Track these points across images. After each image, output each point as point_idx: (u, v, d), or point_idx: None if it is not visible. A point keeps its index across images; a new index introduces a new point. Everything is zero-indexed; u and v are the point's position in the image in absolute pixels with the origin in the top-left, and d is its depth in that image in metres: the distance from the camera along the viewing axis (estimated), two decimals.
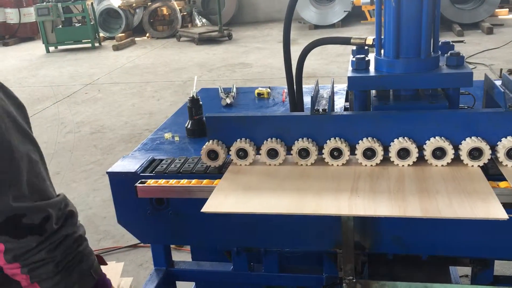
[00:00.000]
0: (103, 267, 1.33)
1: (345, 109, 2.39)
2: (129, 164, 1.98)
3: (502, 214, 1.39)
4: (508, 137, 1.64)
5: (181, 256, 3.37)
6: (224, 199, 1.62)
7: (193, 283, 2.63)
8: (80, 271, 1.21)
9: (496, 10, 11.08)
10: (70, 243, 1.17)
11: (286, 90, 2.37)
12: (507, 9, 11.76)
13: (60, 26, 12.00)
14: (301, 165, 1.79)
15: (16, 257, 1.11)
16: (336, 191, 1.61)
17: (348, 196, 1.56)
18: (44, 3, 11.67)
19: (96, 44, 12.19)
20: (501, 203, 1.45)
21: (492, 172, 1.66)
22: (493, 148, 1.66)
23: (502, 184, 1.59)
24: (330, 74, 7.69)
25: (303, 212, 1.53)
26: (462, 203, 1.47)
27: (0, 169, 1.08)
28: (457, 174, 1.65)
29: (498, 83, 1.88)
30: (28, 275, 1.14)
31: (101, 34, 12.70)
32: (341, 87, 2.75)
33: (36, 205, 1.11)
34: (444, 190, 1.55)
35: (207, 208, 1.57)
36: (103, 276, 1.31)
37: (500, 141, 1.65)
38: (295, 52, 2.14)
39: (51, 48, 12.08)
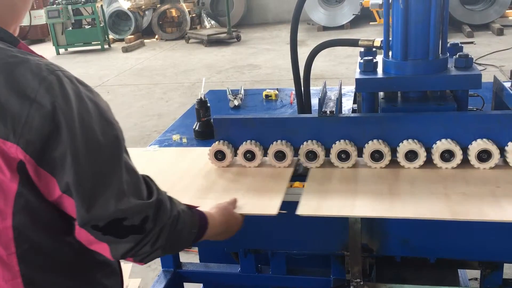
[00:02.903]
0: None
1: (353, 111, 2.38)
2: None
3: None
4: None
5: (189, 257, 3.37)
6: (319, 202, 1.59)
7: (201, 285, 2.63)
8: (183, 238, 1.25)
9: (507, 11, 10.98)
10: (167, 230, 1.18)
11: (294, 92, 2.37)
12: None
13: (70, 28, 12.08)
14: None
15: (124, 254, 1.14)
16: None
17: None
18: (55, 6, 11.76)
19: (106, 46, 12.27)
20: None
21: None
22: (502, 150, 1.65)
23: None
24: (339, 75, 7.68)
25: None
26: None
27: (104, 164, 1.07)
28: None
29: (507, 84, 1.86)
30: (141, 262, 1.19)
31: (111, 36, 12.78)
32: (350, 89, 2.74)
33: (135, 207, 1.10)
34: None
35: (302, 211, 1.54)
36: (200, 220, 1.33)
37: (509, 143, 1.64)
38: (304, 54, 2.14)
39: (61, 50, 12.18)
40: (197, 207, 1.37)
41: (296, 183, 1.75)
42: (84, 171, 1.04)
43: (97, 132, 1.07)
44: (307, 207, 1.54)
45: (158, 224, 1.15)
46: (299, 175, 1.82)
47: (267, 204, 1.57)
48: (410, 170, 1.71)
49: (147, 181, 1.18)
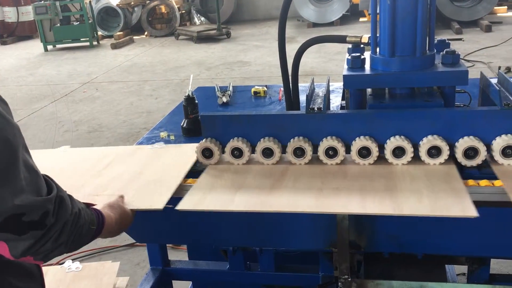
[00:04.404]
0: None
1: (342, 107, 2.38)
2: None
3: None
4: (503, 136, 1.63)
5: (178, 255, 3.36)
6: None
7: (190, 282, 2.63)
8: (84, 235, 1.29)
9: (495, 7, 11.06)
10: (69, 226, 1.21)
11: (282, 89, 2.36)
12: (506, 7, 11.74)
13: (58, 24, 11.97)
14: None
15: (25, 252, 1.15)
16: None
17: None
18: (42, 2, 11.64)
19: (95, 43, 12.18)
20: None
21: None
22: (489, 147, 1.65)
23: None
24: (328, 72, 7.68)
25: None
26: None
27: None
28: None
29: (494, 81, 1.87)
30: (42, 261, 1.21)
31: (100, 33, 12.68)
32: (339, 85, 2.74)
33: (34, 202, 1.12)
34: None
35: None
36: (98, 217, 1.37)
37: (495, 139, 1.64)
38: (294, 50, 2.13)
39: (49, 47, 12.06)
40: (94, 205, 1.42)
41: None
42: None
43: None
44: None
45: (59, 219, 1.18)
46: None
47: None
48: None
49: (47, 179, 1.21)
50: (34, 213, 1.12)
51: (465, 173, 1.65)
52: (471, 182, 1.58)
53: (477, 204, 1.41)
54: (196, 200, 1.61)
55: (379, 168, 1.71)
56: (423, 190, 1.53)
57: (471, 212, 1.38)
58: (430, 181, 1.59)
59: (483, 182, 1.57)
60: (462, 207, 1.42)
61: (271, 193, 1.62)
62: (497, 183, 1.57)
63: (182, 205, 1.58)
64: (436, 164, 1.68)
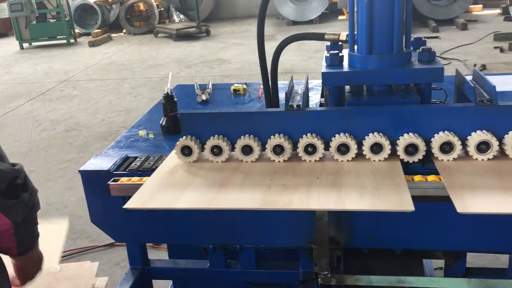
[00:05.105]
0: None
1: (321, 104, 2.40)
2: (102, 162, 1.95)
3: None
4: (478, 131, 1.66)
5: (159, 254, 3.34)
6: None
7: (170, 282, 2.61)
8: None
9: (470, 6, 11.27)
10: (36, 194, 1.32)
11: (262, 86, 2.36)
12: (481, 5, 11.98)
13: (34, 22, 11.77)
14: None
15: (25, 216, 1.25)
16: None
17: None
18: None
19: (72, 40, 12.01)
20: None
21: None
22: (464, 142, 1.68)
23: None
24: (308, 69, 7.72)
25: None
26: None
27: None
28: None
29: (469, 78, 1.90)
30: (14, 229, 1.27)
31: (77, 30, 12.51)
32: (318, 83, 2.76)
33: (19, 167, 1.25)
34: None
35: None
36: None
37: (470, 135, 1.67)
38: (273, 48, 2.14)
39: (25, 45, 11.85)
40: None
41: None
42: None
43: None
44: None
45: (33, 185, 1.30)
46: None
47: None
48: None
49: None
50: (22, 176, 1.23)
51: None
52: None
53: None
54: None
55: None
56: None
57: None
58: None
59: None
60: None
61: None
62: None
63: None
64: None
